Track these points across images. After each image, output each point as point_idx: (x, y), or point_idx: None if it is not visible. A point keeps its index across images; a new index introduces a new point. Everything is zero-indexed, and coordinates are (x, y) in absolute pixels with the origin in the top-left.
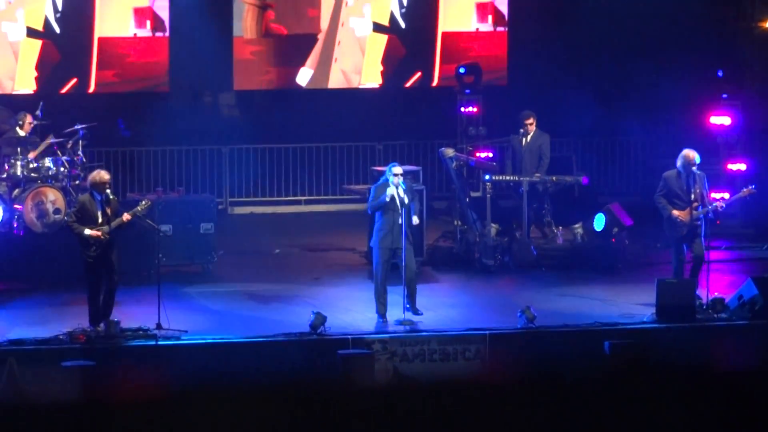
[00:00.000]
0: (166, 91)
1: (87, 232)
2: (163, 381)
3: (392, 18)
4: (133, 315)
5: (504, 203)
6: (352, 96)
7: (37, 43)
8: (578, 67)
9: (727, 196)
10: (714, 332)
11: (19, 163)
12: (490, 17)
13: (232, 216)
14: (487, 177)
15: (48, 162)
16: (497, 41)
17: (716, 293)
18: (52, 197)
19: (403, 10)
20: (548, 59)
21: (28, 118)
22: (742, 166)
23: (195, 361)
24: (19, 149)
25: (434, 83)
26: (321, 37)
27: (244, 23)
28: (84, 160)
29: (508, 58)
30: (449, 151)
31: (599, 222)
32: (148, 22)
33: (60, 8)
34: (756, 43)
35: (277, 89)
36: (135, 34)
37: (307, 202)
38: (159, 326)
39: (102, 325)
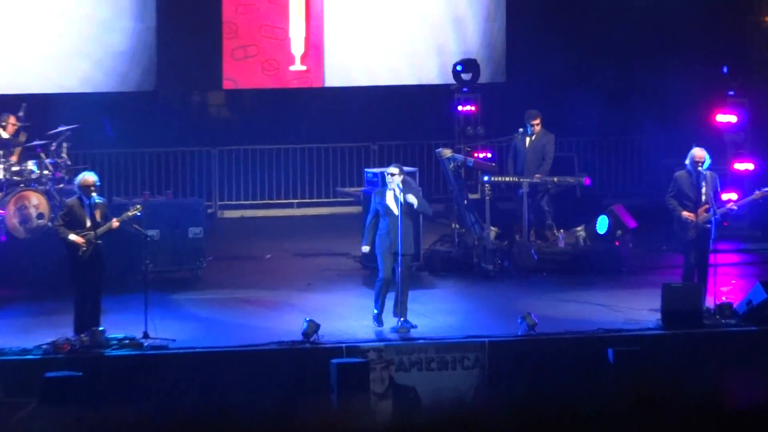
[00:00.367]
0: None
1: (71, 237)
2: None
3: None
4: (119, 323)
5: (503, 205)
6: (346, 95)
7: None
8: (580, 63)
9: (735, 196)
10: (722, 339)
11: (1, 166)
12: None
13: (222, 220)
14: (485, 178)
15: (31, 165)
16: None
17: (724, 298)
18: (36, 201)
19: None
20: (549, 54)
21: (11, 120)
22: (750, 166)
23: (183, 372)
24: (1, 152)
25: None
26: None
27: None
28: (68, 162)
29: (507, 53)
30: (446, 152)
31: (602, 225)
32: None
33: None
34: (763, 37)
35: (268, 89)
36: None
37: (300, 206)
38: (146, 335)
39: (86, 334)
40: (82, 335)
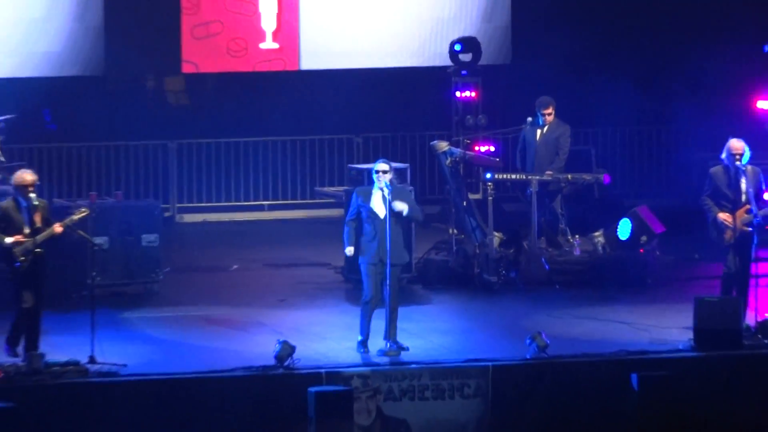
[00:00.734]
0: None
1: (7, 240)
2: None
3: None
4: (61, 346)
5: (509, 207)
6: (324, 79)
7: None
8: (599, 42)
9: None
10: (764, 362)
11: None
12: None
13: (181, 225)
14: (488, 175)
15: None
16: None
17: (767, 315)
18: None
19: None
20: (562, 31)
21: None
22: None
23: (136, 402)
24: None
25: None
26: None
27: None
28: (2, 159)
29: (513, 29)
30: (442, 145)
31: (624, 229)
32: None
33: None
34: None
35: (234, 72)
36: None
37: (272, 208)
38: (92, 360)
39: (23, 358)
40: (15, 351)
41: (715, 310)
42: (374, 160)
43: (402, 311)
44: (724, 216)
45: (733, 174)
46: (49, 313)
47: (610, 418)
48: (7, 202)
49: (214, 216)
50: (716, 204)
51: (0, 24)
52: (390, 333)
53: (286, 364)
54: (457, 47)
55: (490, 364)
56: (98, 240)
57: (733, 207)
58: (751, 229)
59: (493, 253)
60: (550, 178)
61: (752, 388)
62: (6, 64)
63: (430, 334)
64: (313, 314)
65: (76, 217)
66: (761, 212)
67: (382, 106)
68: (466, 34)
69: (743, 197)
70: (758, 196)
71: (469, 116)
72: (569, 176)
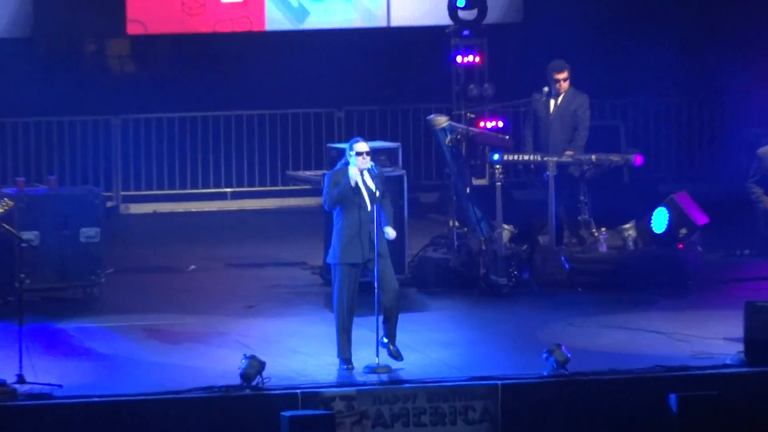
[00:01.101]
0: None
1: None
2: None
3: None
4: None
5: (521, 195)
6: (298, 42)
7: None
8: None
9: None
10: None
11: None
12: None
13: (127, 217)
14: (496, 157)
15: None
16: None
17: None
18: None
19: None
20: None
21: None
22: None
23: (74, 429)
24: None
25: None
26: None
27: None
28: None
29: None
30: (441, 120)
31: (660, 220)
32: None
33: None
34: None
35: (190, 33)
36: None
37: (236, 196)
38: (21, 379)
39: None
40: None
41: None
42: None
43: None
44: None
45: None
46: None
47: None
48: None
49: (166, 206)
50: (766, 192)
51: None
52: (390, 332)
53: (254, 383)
54: (460, 3)
55: (499, 382)
56: (27, 235)
57: None
58: None
59: (503, 250)
60: (570, 159)
61: None
62: None
63: (426, 346)
64: (287, 323)
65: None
66: None
67: (369, 74)
68: None
69: None
70: None
71: (472, 85)
72: (593, 157)
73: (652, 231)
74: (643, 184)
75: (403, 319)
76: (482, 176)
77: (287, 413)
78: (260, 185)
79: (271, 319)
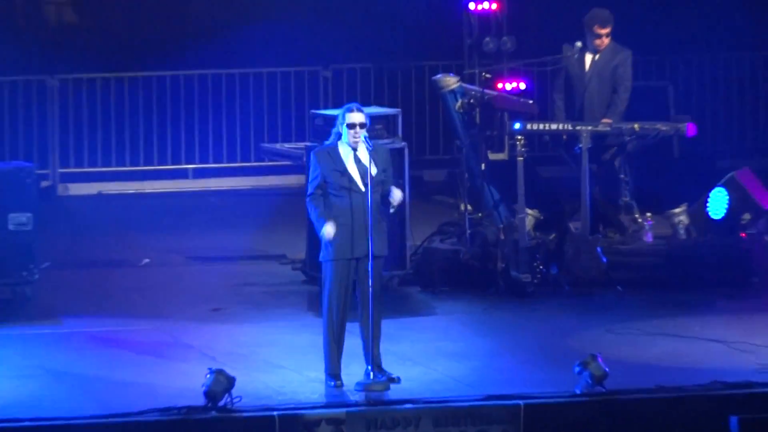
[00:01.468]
0: None
1: None
2: None
3: None
4: None
5: (548, 172)
6: None
7: None
8: None
9: None
10: None
11: None
12: None
13: (66, 199)
14: (517, 126)
15: None
16: None
17: None
18: None
19: None
20: None
21: None
22: None
23: None
24: None
25: None
26: None
27: None
28: None
29: None
30: (450, 81)
31: (718, 204)
32: None
33: None
34: None
35: None
36: None
37: (198, 175)
38: None
39: None
40: None
41: None
42: (346, 105)
43: (391, 326)
44: None
45: None
46: None
47: None
48: None
49: (114, 186)
50: None
51: None
52: (373, 356)
53: (221, 403)
54: None
55: (521, 402)
56: None
57: None
58: None
59: (525, 240)
60: (608, 128)
61: None
62: None
63: (432, 358)
64: (262, 330)
65: None
66: None
67: (361, 26)
68: None
69: None
70: None
71: (488, 38)
72: (636, 126)
73: (708, 217)
74: (697, 160)
75: (402, 324)
76: (500, 149)
77: None
78: (229, 161)
79: (242, 325)
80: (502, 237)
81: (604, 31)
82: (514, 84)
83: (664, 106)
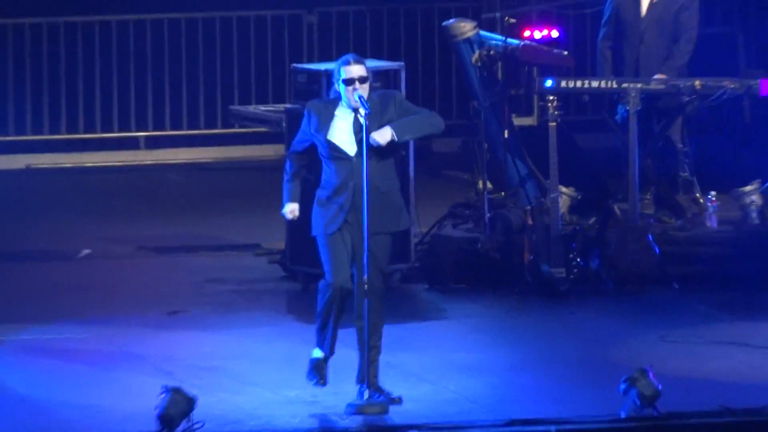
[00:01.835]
0: None
1: None
2: None
3: None
4: None
5: (587, 141)
6: None
7: None
8: None
9: None
10: None
11: None
12: None
13: None
14: (549, 83)
15: None
16: None
17: None
18: None
19: None
20: None
21: None
22: None
23: None
24: None
25: None
26: None
27: None
28: None
29: None
30: (465, 28)
31: None
32: None
33: None
34: None
35: None
36: None
37: (152, 144)
38: None
39: None
40: None
41: None
42: (339, 56)
43: (392, 333)
44: None
45: None
46: None
47: None
48: None
49: (46, 159)
50: None
51: None
52: (368, 373)
53: (179, 428)
54: None
55: (553, 428)
56: None
57: None
58: None
59: (559, 226)
60: (662, 86)
61: None
62: None
63: (442, 373)
64: (230, 339)
65: None
66: None
67: None
68: None
69: None
70: None
71: None
72: (697, 83)
73: None
74: None
75: (406, 331)
76: (528, 113)
77: None
78: (190, 128)
79: (206, 331)
80: (530, 222)
81: None
82: (545, 31)
83: (733, 58)
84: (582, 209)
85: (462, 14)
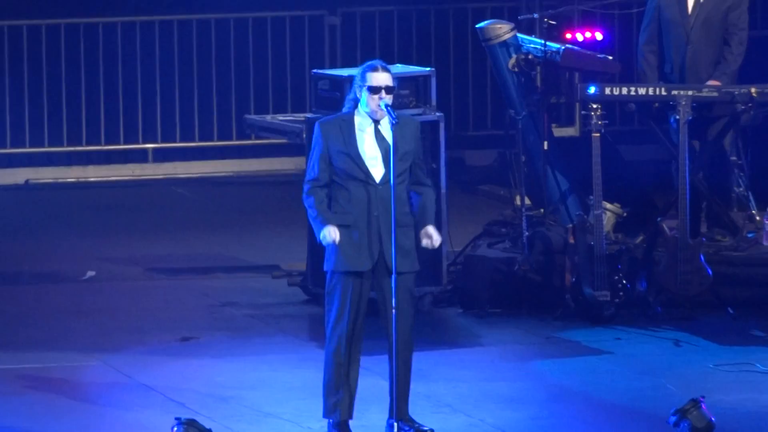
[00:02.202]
0: None
1: None
2: None
3: None
4: None
5: (634, 153)
6: None
7: None
8: None
9: None
10: None
11: None
12: None
13: None
14: (592, 90)
15: None
16: None
17: None
18: None
19: None
20: None
21: None
22: None
23: None
24: None
25: None
26: None
27: None
28: None
29: None
30: (501, 30)
31: None
32: None
33: None
34: None
35: None
36: None
37: (161, 157)
38: None
39: None
40: None
41: None
42: (363, 61)
43: (423, 361)
44: None
45: None
46: None
47: None
48: None
49: (47, 173)
50: None
51: None
52: (398, 406)
53: None
54: None
55: None
56: None
57: None
58: None
59: (603, 246)
60: (715, 93)
61: None
62: None
63: (477, 404)
64: (247, 367)
65: None
66: None
67: None
68: None
69: None
70: None
71: None
72: (754, 90)
73: None
74: None
75: (439, 358)
76: (569, 122)
77: None
78: (202, 139)
79: (220, 359)
80: (572, 241)
81: None
82: (588, 34)
83: None
84: (628, 227)
85: (498, 15)
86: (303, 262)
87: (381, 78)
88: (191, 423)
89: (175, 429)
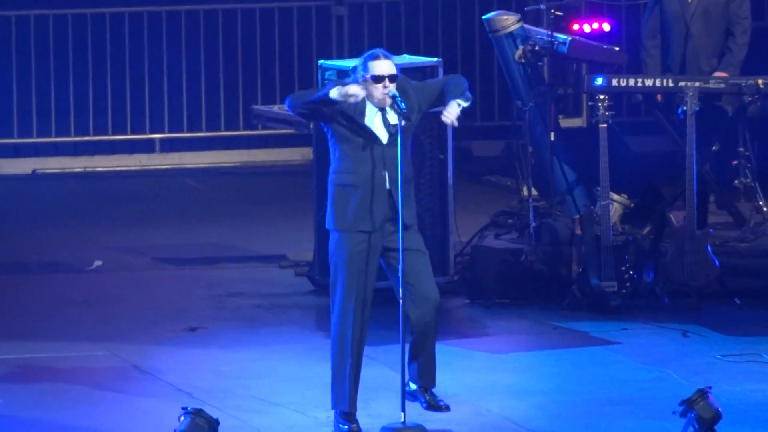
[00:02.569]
0: None
1: None
2: None
3: None
4: None
5: (639, 144)
6: None
7: None
8: None
9: None
10: None
11: None
12: None
13: None
14: (599, 81)
15: None
16: None
17: None
18: None
19: None
20: None
21: None
22: None
23: None
24: None
25: None
26: None
27: None
28: None
29: None
30: (508, 21)
31: None
32: None
33: None
34: None
35: None
36: None
37: (168, 147)
38: None
39: None
40: None
41: None
42: (368, 51)
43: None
44: None
45: None
46: None
47: None
48: None
49: (54, 163)
50: None
51: None
52: (423, 371)
53: None
54: None
55: None
56: None
57: None
58: None
59: (610, 236)
60: (722, 85)
61: None
62: None
63: (484, 394)
64: (254, 357)
65: None
66: None
67: None
68: None
69: None
70: None
71: None
72: (761, 81)
73: None
74: None
75: (446, 349)
76: (576, 113)
77: None
78: (209, 129)
79: (228, 349)
80: (579, 232)
81: None
82: (596, 24)
83: None
84: (635, 218)
85: (505, 6)
86: (310, 253)
87: (383, 66)
88: (198, 413)
89: (182, 418)
